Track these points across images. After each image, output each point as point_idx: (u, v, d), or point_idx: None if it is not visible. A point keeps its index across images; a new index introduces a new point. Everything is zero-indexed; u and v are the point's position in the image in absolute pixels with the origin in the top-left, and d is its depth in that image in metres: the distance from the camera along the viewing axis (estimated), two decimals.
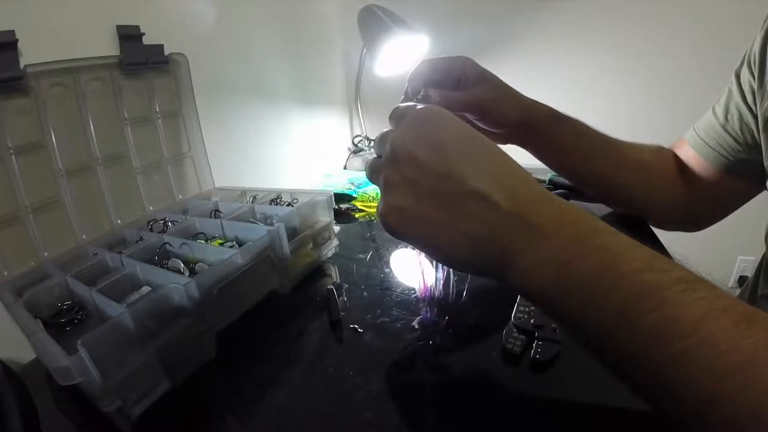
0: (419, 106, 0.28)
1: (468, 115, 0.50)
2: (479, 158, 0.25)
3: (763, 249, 0.51)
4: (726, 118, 0.48)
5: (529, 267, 0.23)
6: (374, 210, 0.71)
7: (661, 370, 0.19)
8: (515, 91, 0.50)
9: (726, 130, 0.48)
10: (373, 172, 0.29)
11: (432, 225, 0.24)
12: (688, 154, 0.53)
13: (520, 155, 0.64)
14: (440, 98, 0.48)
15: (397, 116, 0.30)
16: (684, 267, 0.21)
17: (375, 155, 0.31)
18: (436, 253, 0.26)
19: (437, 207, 0.24)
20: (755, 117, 0.44)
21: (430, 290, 0.45)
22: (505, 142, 0.54)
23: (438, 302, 0.44)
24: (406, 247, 0.56)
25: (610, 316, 0.20)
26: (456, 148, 0.25)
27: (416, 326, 0.40)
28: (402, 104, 0.32)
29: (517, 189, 0.24)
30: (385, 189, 0.26)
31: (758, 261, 0.54)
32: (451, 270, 0.47)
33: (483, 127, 0.50)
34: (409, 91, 0.47)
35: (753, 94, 0.44)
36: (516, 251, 0.23)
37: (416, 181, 0.25)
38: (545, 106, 0.51)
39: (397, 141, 0.26)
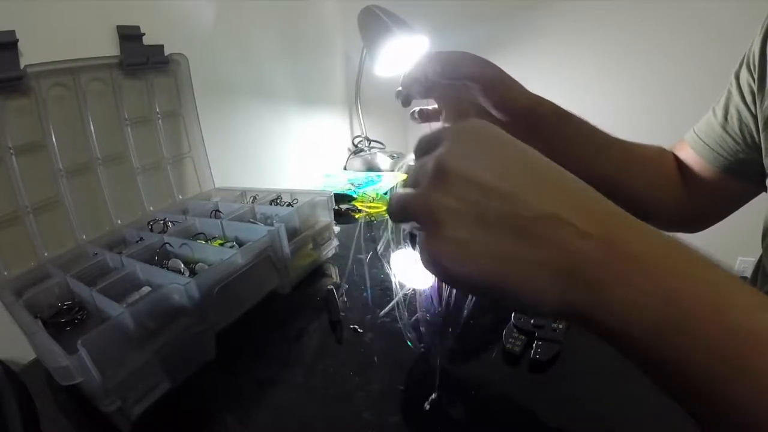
0: (461, 123, 0.24)
1: (474, 89, 0.48)
2: (547, 175, 0.22)
3: (760, 251, 0.51)
4: (725, 119, 0.48)
5: (625, 303, 0.19)
6: (374, 210, 0.71)
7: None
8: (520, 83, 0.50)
9: (725, 131, 0.48)
10: (407, 207, 0.23)
11: (502, 259, 0.20)
12: (688, 155, 0.54)
13: None
14: (451, 62, 0.46)
15: (431, 140, 0.25)
16: None
17: (401, 189, 0.25)
18: (506, 293, 0.21)
19: (507, 236, 0.20)
20: (754, 117, 0.45)
21: (430, 292, 0.45)
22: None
23: (439, 303, 0.43)
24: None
25: (727, 361, 0.17)
26: (520, 164, 0.22)
27: (416, 326, 0.40)
28: (430, 133, 0.26)
29: (598, 210, 0.21)
30: (436, 222, 0.21)
31: (756, 260, 0.54)
32: None
33: (488, 107, 0.49)
34: (408, 84, 0.47)
35: (752, 94, 0.44)
36: (608, 284, 0.19)
37: (479, 206, 0.20)
38: (549, 101, 0.51)
39: (446, 162, 0.21)
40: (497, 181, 0.21)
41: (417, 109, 0.51)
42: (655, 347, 0.19)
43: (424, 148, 0.25)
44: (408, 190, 0.24)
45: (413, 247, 0.27)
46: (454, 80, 0.47)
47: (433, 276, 0.22)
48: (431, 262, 0.22)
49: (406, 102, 0.50)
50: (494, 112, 0.49)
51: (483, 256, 0.20)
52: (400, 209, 0.24)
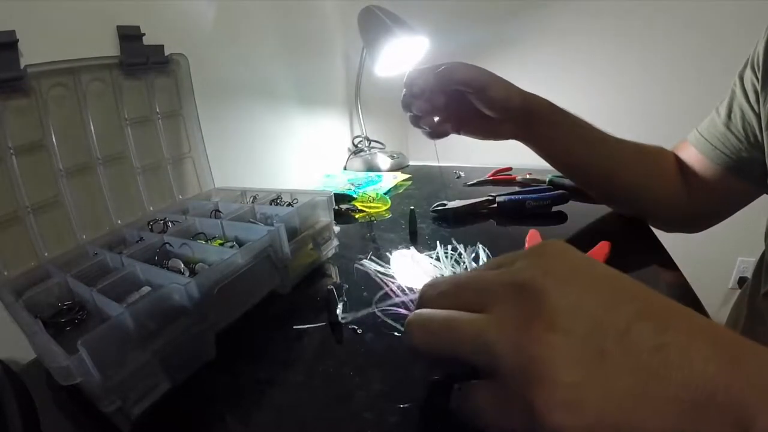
0: (540, 243, 0.21)
1: (468, 93, 0.49)
2: (647, 298, 0.19)
3: (763, 248, 0.52)
4: (729, 117, 0.49)
5: None
6: (374, 210, 0.71)
7: None
8: (513, 83, 0.50)
9: (729, 129, 0.49)
10: (486, 349, 0.18)
11: (625, 398, 0.16)
12: (690, 154, 0.54)
13: (522, 156, 0.64)
14: (442, 71, 0.48)
15: (502, 262, 0.21)
16: None
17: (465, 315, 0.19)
18: None
19: (628, 373, 0.16)
20: (757, 116, 0.45)
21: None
22: (506, 137, 0.54)
23: None
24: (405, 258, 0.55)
25: None
26: (620, 289, 0.19)
27: None
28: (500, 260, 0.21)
29: (711, 328, 0.18)
30: (543, 366, 0.17)
31: (758, 259, 0.54)
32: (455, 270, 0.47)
33: (483, 110, 0.50)
34: (409, 95, 0.48)
35: (756, 93, 0.45)
36: (754, 407, 0.16)
37: (593, 341, 0.17)
38: (544, 98, 0.52)
39: (547, 293, 0.18)
40: (606, 311, 0.17)
41: (426, 128, 0.52)
42: None
43: (497, 267, 0.20)
44: (460, 314, 0.19)
45: (443, 405, 0.19)
46: (448, 88, 0.48)
47: None
48: (547, 414, 0.16)
49: (416, 122, 0.52)
50: (490, 113, 0.50)
51: (604, 398, 0.16)
52: (476, 350, 0.18)
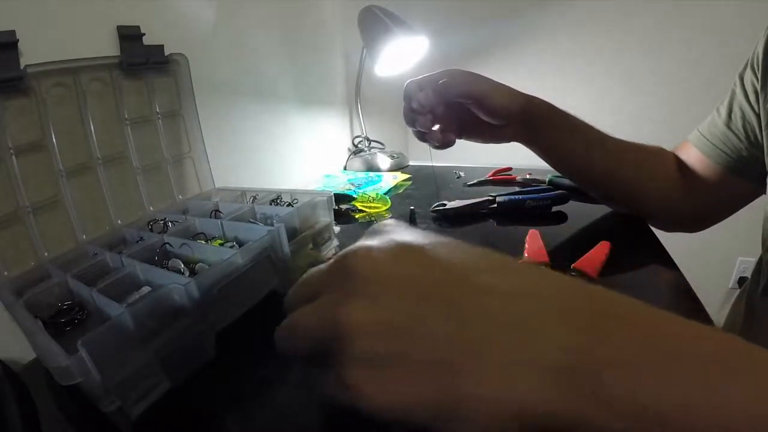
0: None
1: (468, 104, 0.49)
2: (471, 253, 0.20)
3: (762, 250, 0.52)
4: (729, 117, 0.49)
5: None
6: (374, 210, 0.71)
7: None
8: (511, 87, 0.51)
9: (729, 128, 0.49)
10: (318, 333, 0.19)
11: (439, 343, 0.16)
12: (691, 154, 0.54)
13: (522, 156, 0.64)
14: (440, 86, 0.48)
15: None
16: None
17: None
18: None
19: (444, 318, 0.17)
20: (757, 116, 0.45)
21: None
22: (507, 139, 0.54)
23: None
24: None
25: None
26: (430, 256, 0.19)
27: None
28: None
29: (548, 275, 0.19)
30: (354, 340, 0.17)
31: (757, 259, 0.54)
32: None
33: (484, 118, 0.50)
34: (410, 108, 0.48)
35: (755, 93, 0.45)
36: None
37: (399, 302, 0.17)
38: (544, 100, 0.52)
39: (361, 264, 0.19)
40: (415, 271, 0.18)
41: (434, 143, 0.53)
42: None
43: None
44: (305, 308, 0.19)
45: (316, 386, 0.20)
46: (447, 101, 0.48)
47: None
48: (337, 386, 0.17)
49: (422, 137, 0.53)
50: (491, 120, 0.50)
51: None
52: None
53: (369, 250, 0.19)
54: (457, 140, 0.56)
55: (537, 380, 0.15)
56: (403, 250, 0.19)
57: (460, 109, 0.51)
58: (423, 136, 0.53)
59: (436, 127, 0.52)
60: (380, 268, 0.18)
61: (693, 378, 0.15)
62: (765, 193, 0.48)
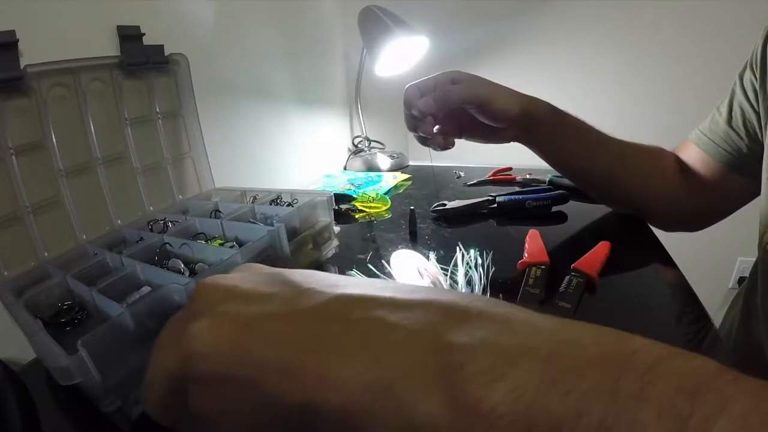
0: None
1: (469, 109, 0.50)
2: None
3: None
4: (730, 115, 0.50)
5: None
6: (374, 210, 0.71)
7: None
8: (512, 89, 0.51)
9: (730, 126, 0.49)
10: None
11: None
12: (692, 152, 0.54)
13: (522, 156, 0.64)
14: (439, 93, 0.48)
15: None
16: None
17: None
18: None
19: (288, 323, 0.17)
20: (757, 114, 0.46)
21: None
22: (508, 140, 0.55)
23: None
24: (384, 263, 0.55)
25: None
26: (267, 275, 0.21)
27: None
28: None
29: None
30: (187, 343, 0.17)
31: (755, 262, 0.54)
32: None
33: (485, 121, 0.51)
34: (413, 115, 0.49)
35: (755, 92, 0.46)
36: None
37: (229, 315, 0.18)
38: (544, 101, 0.52)
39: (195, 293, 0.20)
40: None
41: (436, 147, 0.54)
42: None
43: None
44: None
45: None
46: (448, 108, 0.49)
47: None
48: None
49: (423, 141, 0.53)
50: (491, 124, 0.50)
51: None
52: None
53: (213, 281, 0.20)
54: (458, 140, 0.56)
55: None
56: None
57: (461, 111, 0.51)
58: (425, 141, 0.53)
59: (436, 128, 0.52)
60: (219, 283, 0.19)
61: None
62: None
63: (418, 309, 0.15)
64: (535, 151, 0.56)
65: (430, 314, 0.15)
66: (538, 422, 0.11)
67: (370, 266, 0.51)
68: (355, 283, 0.18)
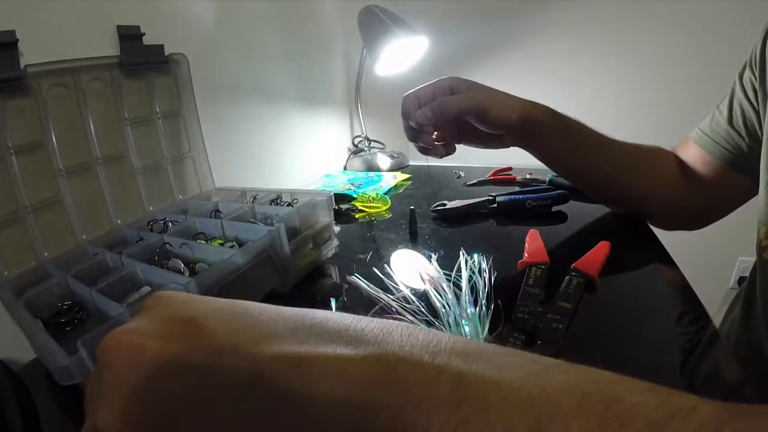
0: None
1: (468, 118, 0.50)
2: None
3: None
4: (730, 114, 0.50)
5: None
6: (374, 210, 0.71)
7: None
8: (510, 94, 0.51)
9: (731, 125, 0.50)
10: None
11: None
12: (693, 151, 0.54)
13: (521, 158, 0.64)
14: (437, 104, 0.48)
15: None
16: None
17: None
18: None
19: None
20: (757, 112, 0.46)
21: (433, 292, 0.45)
22: (508, 145, 0.55)
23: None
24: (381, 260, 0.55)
25: None
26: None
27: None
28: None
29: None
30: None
31: (754, 263, 0.54)
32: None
33: (484, 130, 0.51)
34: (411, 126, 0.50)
35: (754, 91, 0.46)
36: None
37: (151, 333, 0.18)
38: (543, 105, 0.52)
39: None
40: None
41: (437, 156, 0.55)
42: None
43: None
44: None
45: None
46: (446, 119, 0.49)
47: None
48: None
49: (424, 150, 0.54)
50: (491, 131, 0.50)
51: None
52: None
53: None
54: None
55: None
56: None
57: (460, 119, 0.51)
58: (426, 151, 0.54)
59: (435, 135, 0.52)
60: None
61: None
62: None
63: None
64: (535, 155, 0.56)
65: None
66: None
67: (372, 268, 0.51)
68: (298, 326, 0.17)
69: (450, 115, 0.49)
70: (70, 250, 0.49)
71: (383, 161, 1.01)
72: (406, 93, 0.51)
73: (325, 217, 0.55)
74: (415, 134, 0.52)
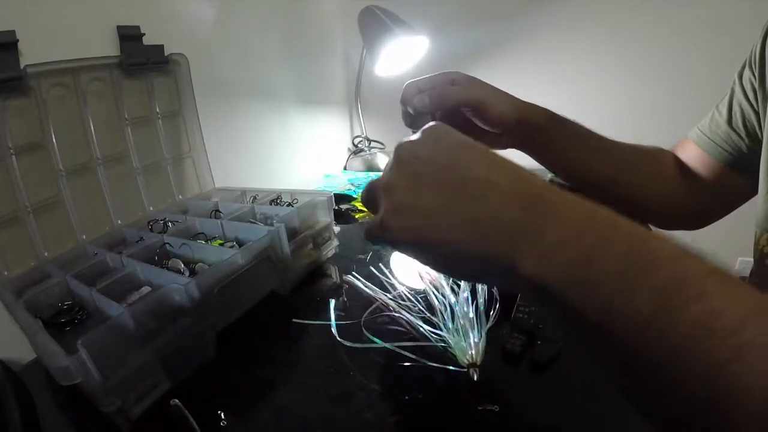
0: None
1: (465, 111, 0.50)
2: (482, 153, 0.25)
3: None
4: (730, 114, 0.50)
5: (545, 249, 0.20)
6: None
7: (705, 373, 0.16)
8: (511, 95, 0.51)
9: (730, 125, 0.50)
10: (371, 191, 0.26)
11: (431, 216, 0.23)
12: (692, 152, 0.54)
13: (521, 158, 0.64)
14: (436, 92, 0.48)
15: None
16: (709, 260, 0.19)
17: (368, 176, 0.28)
18: (435, 251, 0.23)
19: (438, 196, 0.23)
20: (756, 113, 0.46)
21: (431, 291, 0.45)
22: (505, 146, 0.54)
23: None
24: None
25: (644, 308, 0.17)
26: (459, 145, 0.25)
27: (416, 327, 0.40)
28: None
29: (521, 175, 0.23)
30: (385, 194, 0.25)
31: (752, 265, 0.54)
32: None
33: (481, 126, 0.51)
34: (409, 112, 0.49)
35: (754, 91, 0.46)
36: (528, 230, 0.21)
37: (417, 176, 0.24)
38: (542, 107, 0.52)
39: (402, 148, 0.26)
40: (437, 155, 0.24)
41: None
42: (576, 298, 0.19)
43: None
44: (374, 180, 0.27)
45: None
46: (444, 108, 0.49)
47: (382, 243, 0.25)
48: (377, 227, 0.24)
49: None
50: (487, 128, 0.50)
51: (416, 215, 0.23)
52: (365, 196, 0.27)
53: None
54: None
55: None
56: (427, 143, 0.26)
57: (458, 114, 0.51)
58: None
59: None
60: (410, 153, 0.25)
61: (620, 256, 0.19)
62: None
63: None
64: (533, 157, 0.56)
65: None
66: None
67: (372, 267, 0.51)
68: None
69: (448, 104, 0.48)
70: (70, 250, 0.49)
71: (383, 161, 1.02)
72: (408, 81, 0.51)
73: (325, 218, 0.55)
74: (411, 120, 0.52)
